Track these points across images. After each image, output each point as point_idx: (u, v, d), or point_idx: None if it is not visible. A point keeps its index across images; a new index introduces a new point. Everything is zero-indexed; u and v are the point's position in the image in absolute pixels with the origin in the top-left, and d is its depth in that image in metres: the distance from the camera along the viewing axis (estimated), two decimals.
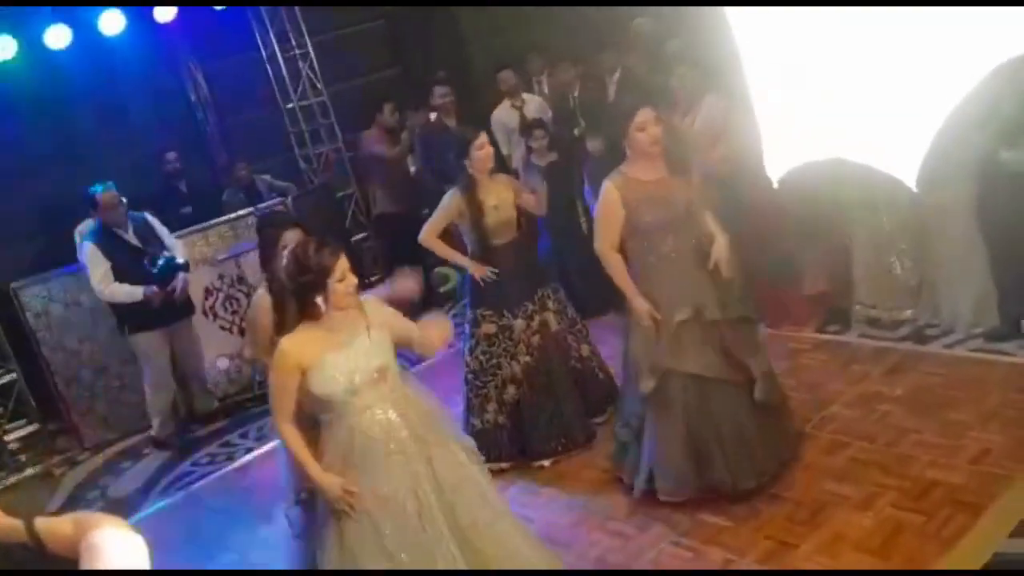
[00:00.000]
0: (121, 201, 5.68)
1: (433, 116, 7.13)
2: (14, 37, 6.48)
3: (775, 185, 4.94)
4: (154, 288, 5.65)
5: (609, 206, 3.76)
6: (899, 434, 4.01)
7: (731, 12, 5.04)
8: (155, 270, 5.66)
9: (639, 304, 3.75)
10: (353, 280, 2.92)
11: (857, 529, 3.46)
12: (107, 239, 5.68)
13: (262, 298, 3.80)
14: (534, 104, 7.29)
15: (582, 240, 6.73)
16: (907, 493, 3.58)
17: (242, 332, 6.96)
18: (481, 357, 4.62)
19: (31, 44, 6.62)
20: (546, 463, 4.55)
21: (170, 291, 5.73)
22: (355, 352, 2.93)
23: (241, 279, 6.83)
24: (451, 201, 4.56)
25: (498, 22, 8.62)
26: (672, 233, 3.75)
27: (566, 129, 7.02)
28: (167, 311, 5.80)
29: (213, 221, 6.81)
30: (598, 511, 4.05)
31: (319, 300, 2.89)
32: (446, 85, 6.91)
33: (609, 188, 3.78)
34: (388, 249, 7.89)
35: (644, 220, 3.72)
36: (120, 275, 5.64)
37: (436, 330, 3.25)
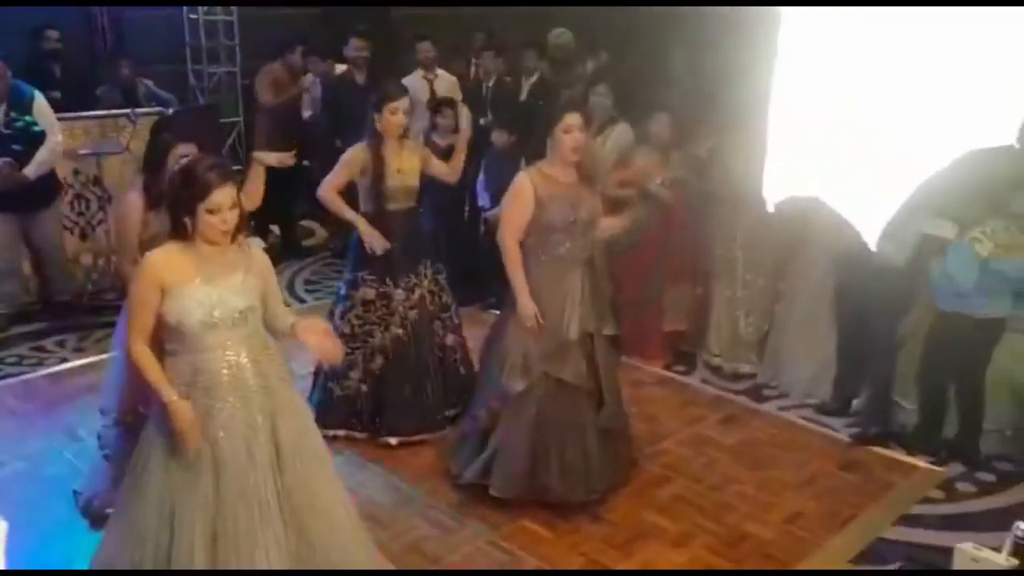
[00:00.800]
0: (5, 75, 5.37)
1: (342, 68, 6.92)
2: None
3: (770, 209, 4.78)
4: (5, 160, 5.31)
5: (521, 198, 3.73)
6: (723, 481, 4.16)
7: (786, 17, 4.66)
8: (7, 130, 5.32)
9: (526, 303, 3.73)
10: (229, 217, 2.71)
11: (667, 563, 3.55)
12: None
13: (134, 199, 3.57)
14: (446, 81, 7.20)
15: (462, 227, 6.69)
16: (721, 539, 3.70)
17: (84, 235, 6.54)
18: (355, 322, 4.45)
19: None
20: (393, 441, 4.43)
21: (19, 171, 5.38)
22: (223, 287, 2.75)
23: (98, 180, 6.39)
24: (355, 155, 4.36)
25: None
26: (571, 238, 3.77)
27: (473, 116, 6.97)
28: (20, 197, 5.50)
29: (82, 113, 6.34)
30: (422, 498, 3.99)
31: (187, 221, 2.70)
32: (364, 39, 6.69)
33: (524, 181, 3.75)
34: (273, 195, 7.58)
35: (551, 218, 3.72)
36: None
37: (314, 336, 2.95)
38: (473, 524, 3.78)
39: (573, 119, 3.70)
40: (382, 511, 3.85)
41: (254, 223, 7.31)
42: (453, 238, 6.50)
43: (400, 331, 4.45)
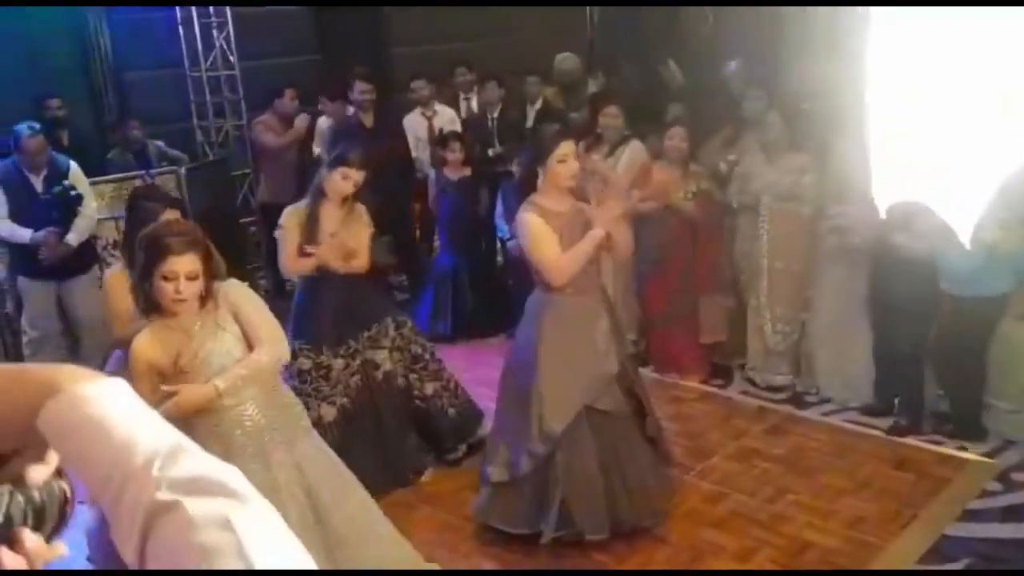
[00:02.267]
0: (46, 148, 5.47)
1: (350, 110, 6.96)
2: None
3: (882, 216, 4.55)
4: (50, 230, 5.40)
5: (540, 229, 3.63)
6: (777, 492, 4.14)
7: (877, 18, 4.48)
8: (46, 196, 5.41)
9: (597, 231, 3.57)
10: (185, 288, 2.66)
11: None
12: (14, 177, 5.47)
13: (115, 276, 3.55)
14: (446, 115, 7.25)
15: (480, 258, 6.71)
16: (783, 551, 3.68)
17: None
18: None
19: None
20: None
21: (62, 239, 5.47)
22: (219, 349, 2.75)
23: (117, 244, 6.40)
24: (289, 219, 4.14)
25: (425, 31, 8.59)
26: (588, 265, 3.69)
27: (480, 147, 7.01)
28: (59, 265, 5.56)
29: (98, 179, 6.37)
30: (476, 534, 3.96)
31: (146, 287, 2.70)
32: (368, 81, 6.73)
33: (532, 218, 3.64)
34: (269, 240, 7.60)
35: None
36: (15, 216, 5.42)
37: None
38: (534, 556, 3.73)
39: (568, 148, 3.63)
40: (439, 554, 3.82)
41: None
42: (473, 270, 6.53)
43: (344, 400, 4.26)
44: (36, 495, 0.77)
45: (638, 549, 3.73)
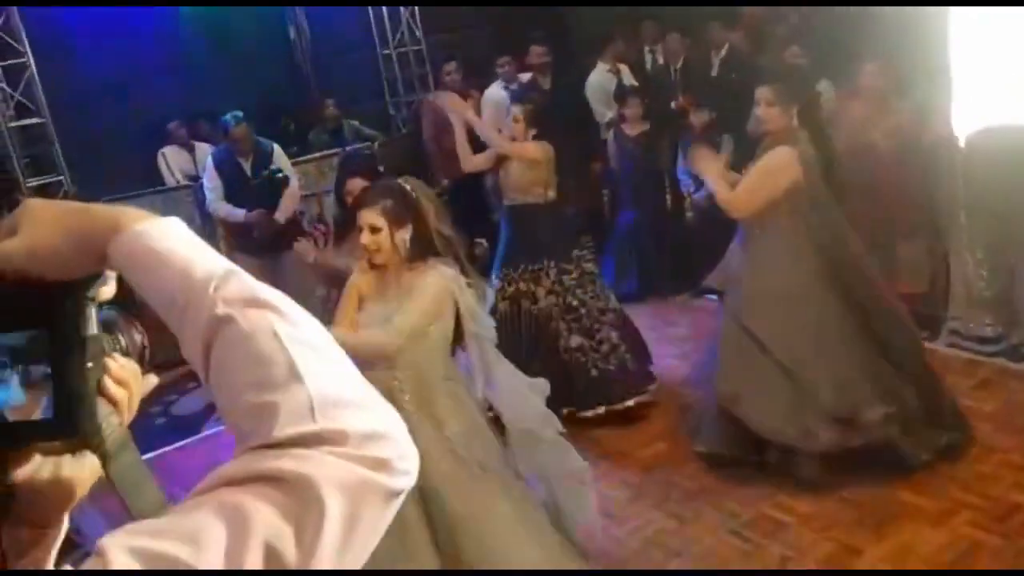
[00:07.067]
0: (250, 134, 5.91)
1: (527, 76, 6.98)
2: None
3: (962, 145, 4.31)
4: (260, 211, 5.82)
5: (784, 174, 3.63)
6: (983, 451, 3.79)
7: None
8: (256, 180, 5.86)
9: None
10: (369, 239, 2.80)
11: (927, 543, 3.29)
12: (227, 162, 5.96)
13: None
14: (624, 71, 7.11)
15: (665, 216, 6.55)
16: (987, 513, 3.38)
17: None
18: None
19: None
20: None
21: (273, 217, 5.89)
22: (392, 307, 2.81)
23: (320, 217, 6.87)
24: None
25: None
26: None
27: (662, 101, 6.84)
28: (270, 241, 5.96)
29: (299, 159, 6.83)
30: (655, 491, 3.94)
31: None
32: (544, 44, 6.73)
33: (787, 151, 3.62)
34: (460, 216, 7.71)
35: None
36: (230, 198, 5.91)
37: None
38: (710, 513, 3.68)
39: (760, 94, 3.66)
40: (615, 506, 3.84)
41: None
42: (656, 227, 6.39)
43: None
44: (121, 339, 0.86)
45: (821, 509, 3.55)
